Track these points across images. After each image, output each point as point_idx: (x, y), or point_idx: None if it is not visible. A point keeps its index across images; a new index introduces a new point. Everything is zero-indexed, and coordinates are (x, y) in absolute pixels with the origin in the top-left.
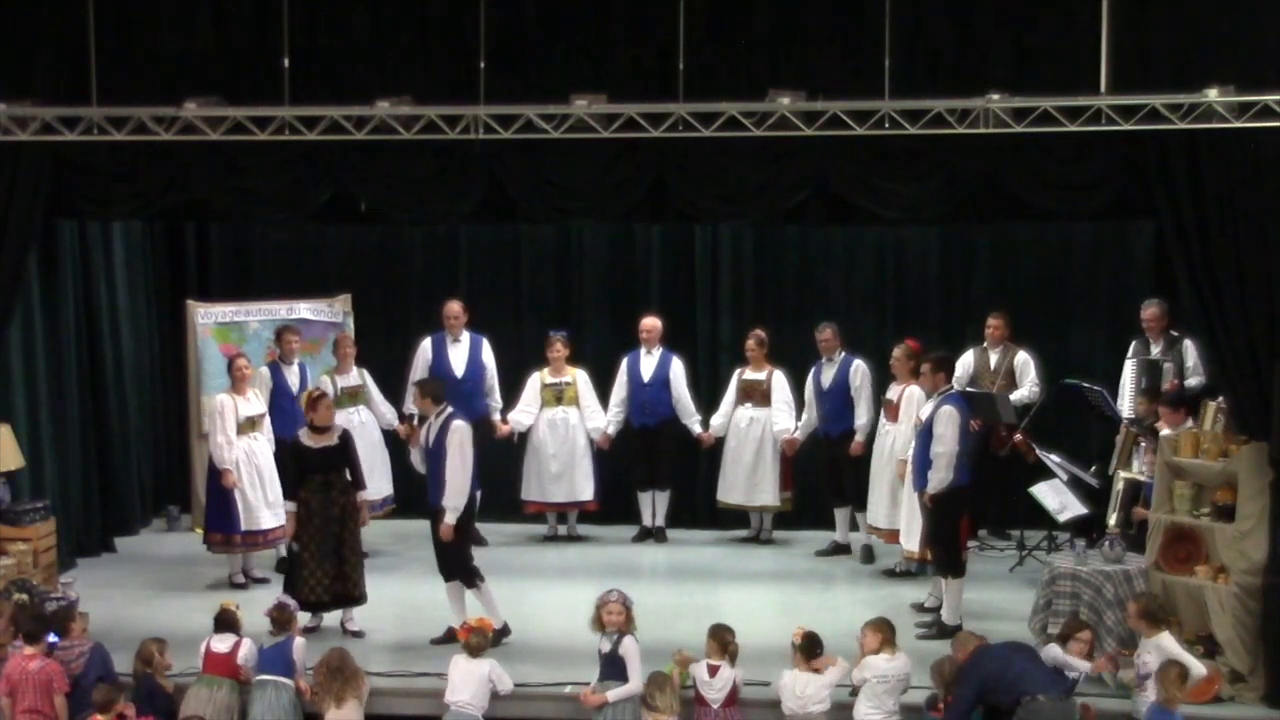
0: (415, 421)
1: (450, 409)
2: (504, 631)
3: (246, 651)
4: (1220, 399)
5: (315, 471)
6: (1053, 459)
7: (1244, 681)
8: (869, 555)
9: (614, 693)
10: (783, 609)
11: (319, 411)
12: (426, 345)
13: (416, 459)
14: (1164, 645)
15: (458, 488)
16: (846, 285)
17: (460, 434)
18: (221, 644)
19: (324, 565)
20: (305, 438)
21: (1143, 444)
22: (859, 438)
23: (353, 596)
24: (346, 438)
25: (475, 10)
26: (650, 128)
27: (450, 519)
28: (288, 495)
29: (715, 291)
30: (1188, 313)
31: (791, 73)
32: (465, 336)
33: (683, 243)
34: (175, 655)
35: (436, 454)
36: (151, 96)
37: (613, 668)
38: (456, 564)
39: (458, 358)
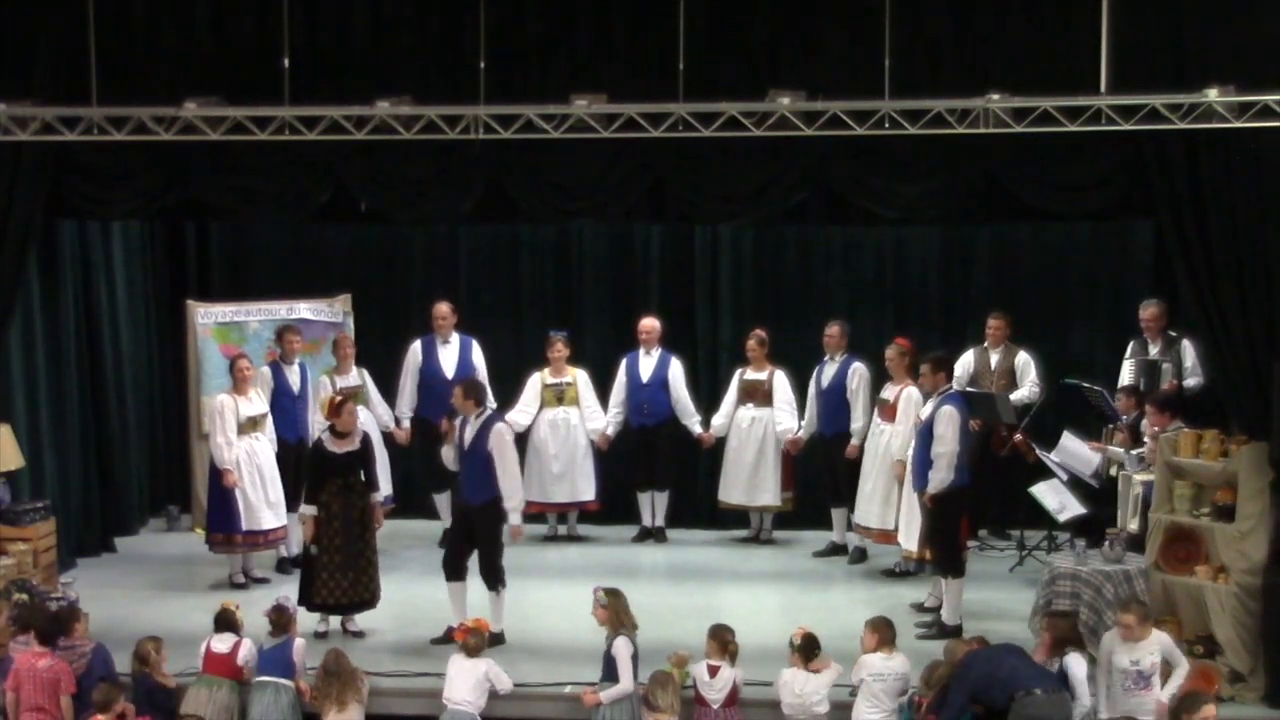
0: (449, 418)
1: (490, 410)
2: (499, 639)
3: (246, 652)
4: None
5: (335, 475)
6: (1052, 459)
7: (1244, 681)
8: (860, 555)
9: (606, 694)
10: (783, 609)
11: (343, 417)
12: (416, 347)
13: (449, 457)
14: (1164, 643)
15: (515, 488)
16: (846, 285)
17: (503, 435)
18: (221, 644)
19: (344, 569)
20: (328, 442)
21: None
22: (854, 441)
23: (366, 600)
24: (367, 442)
25: (475, 10)
26: (650, 128)
27: (516, 519)
28: (308, 499)
29: (715, 291)
30: (1188, 313)
31: (791, 73)
32: (455, 338)
33: (683, 243)
34: (175, 655)
35: (475, 454)
36: (151, 96)
37: (608, 668)
38: (486, 566)
39: (448, 359)
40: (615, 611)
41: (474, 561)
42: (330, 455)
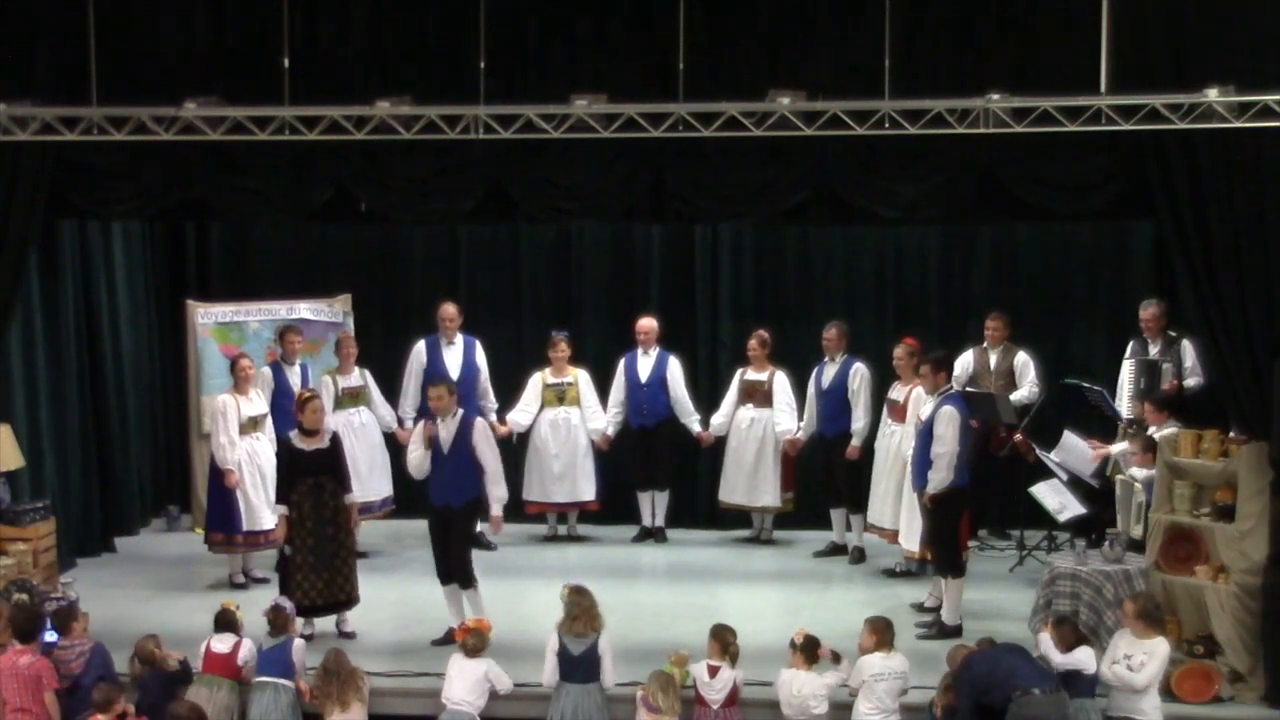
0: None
1: (462, 410)
2: None
3: (246, 652)
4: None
5: (306, 474)
6: (1052, 459)
7: (1244, 681)
8: (859, 556)
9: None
10: (783, 609)
11: (307, 414)
12: (421, 348)
13: (415, 464)
14: (1160, 652)
15: (500, 478)
16: (846, 285)
17: (485, 429)
18: (221, 644)
19: (318, 569)
20: (296, 440)
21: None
22: (855, 441)
23: (344, 600)
24: (336, 440)
25: (475, 10)
26: (650, 128)
27: (497, 509)
28: (279, 499)
29: (715, 291)
30: (1188, 313)
31: (791, 73)
32: (459, 339)
33: (683, 243)
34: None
35: (458, 453)
36: (151, 96)
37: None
38: (458, 565)
39: (453, 360)
40: (569, 608)
41: None
42: (299, 453)
